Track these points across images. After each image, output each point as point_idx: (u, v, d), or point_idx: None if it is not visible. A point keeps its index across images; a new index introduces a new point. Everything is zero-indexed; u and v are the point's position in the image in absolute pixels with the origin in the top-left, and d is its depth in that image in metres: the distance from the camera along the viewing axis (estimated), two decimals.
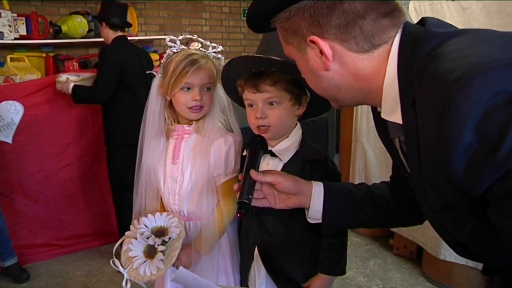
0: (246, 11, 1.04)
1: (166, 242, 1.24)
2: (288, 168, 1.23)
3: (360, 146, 3.23)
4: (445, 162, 0.62)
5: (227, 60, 1.25)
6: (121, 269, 1.23)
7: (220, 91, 1.38)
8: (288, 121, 1.25)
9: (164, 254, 1.21)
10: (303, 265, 1.32)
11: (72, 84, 2.94)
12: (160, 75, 1.41)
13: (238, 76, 1.25)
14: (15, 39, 3.45)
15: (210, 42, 1.41)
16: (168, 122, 1.42)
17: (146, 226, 1.29)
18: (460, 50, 0.64)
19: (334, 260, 1.29)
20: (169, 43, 1.38)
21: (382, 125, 0.87)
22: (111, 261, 1.26)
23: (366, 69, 0.76)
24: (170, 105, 1.42)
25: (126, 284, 1.24)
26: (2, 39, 3.33)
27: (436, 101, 0.62)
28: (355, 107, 3.19)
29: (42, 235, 3.13)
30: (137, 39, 4.04)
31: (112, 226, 3.23)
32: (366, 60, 0.76)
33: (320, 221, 1.04)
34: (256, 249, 1.32)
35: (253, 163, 1.06)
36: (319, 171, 1.24)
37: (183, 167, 1.40)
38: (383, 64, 0.75)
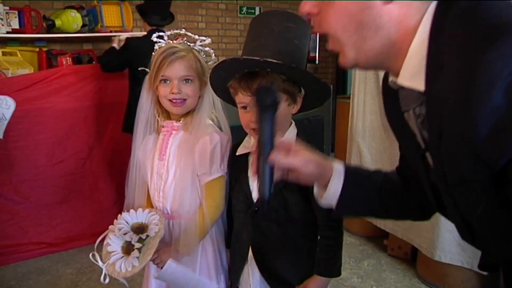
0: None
1: (144, 239, 1.22)
2: None
3: (355, 145, 3.21)
4: (468, 124, 0.58)
5: (217, 56, 1.23)
6: (100, 263, 1.22)
7: (209, 86, 1.35)
8: (283, 121, 1.23)
9: (140, 252, 1.20)
10: (298, 267, 1.30)
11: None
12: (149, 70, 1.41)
13: (230, 77, 1.21)
14: (7, 32, 3.39)
15: (200, 36, 1.40)
16: (158, 118, 1.40)
17: (126, 221, 1.28)
18: (499, 8, 0.60)
19: (330, 261, 1.27)
20: (155, 39, 1.37)
21: (391, 99, 0.82)
22: (90, 255, 1.25)
23: (412, 20, 0.69)
24: (157, 100, 1.41)
25: (105, 279, 1.23)
26: None
27: (467, 58, 0.58)
28: (351, 106, 3.18)
29: (32, 232, 3.08)
30: (131, 35, 4.01)
31: (104, 224, 3.17)
32: (416, 10, 0.69)
33: (333, 206, 0.96)
34: (250, 250, 1.30)
35: (270, 137, 0.88)
36: None
37: (168, 164, 1.38)
38: (420, 21, 0.69)
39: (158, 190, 1.39)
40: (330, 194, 0.94)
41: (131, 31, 4.04)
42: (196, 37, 1.39)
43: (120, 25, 3.94)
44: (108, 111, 3.33)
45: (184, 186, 1.35)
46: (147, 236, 1.23)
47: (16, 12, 3.45)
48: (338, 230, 1.27)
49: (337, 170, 0.95)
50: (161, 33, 1.37)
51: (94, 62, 3.77)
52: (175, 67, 1.33)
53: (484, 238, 0.73)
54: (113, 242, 1.25)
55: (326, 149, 4.95)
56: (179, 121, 1.39)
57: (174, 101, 1.35)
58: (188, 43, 1.37)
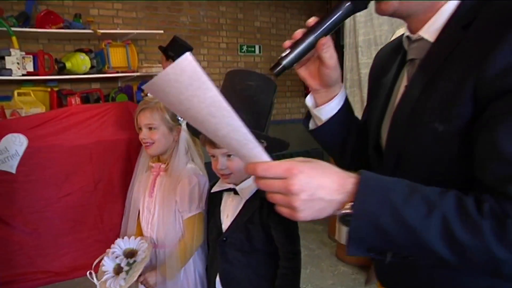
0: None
1: (131, 263, 1.40)
2: (248, 205, 1.37)
3: None
4: (486, 59, 0.68)
5: None
6: (95, 281, 1.41)
7: (183, 133, 1.56)
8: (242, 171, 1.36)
9: (127, 274, 1.39)
10: None
11: None
12: None
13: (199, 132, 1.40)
14: (23, 75, 3.67)
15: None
16: (149, 160, 1.63)
17: (120, 246, 1.47)
18: None
19: None
20: (142, 94, 1.62)
21: (393, 55, 0.95)
22: (87, 273, 1.44)
23: None
24: None
25: None
26: (11, 76, 3.55)
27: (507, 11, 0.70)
28: None
29: (40, 261, 3.23)
30: (137, 75, 4.26)
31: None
32: None
33: (322, 120, 0.99)
34: (218, 277, 1.44)
35: (335, 23, 0.87)
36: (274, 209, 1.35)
37: (155, 201, 1.58)
38: None
39: (147, 222, 1.61)
40: (329, 107, 0.97)
41: (136, 71, 4.30)
42: None
43: (126, 65, 4.19)
44: (112, 147, 3.50)
45: (168, 220, 1.56)
46: (135, 261, 1.42)
47: (31, 56, 3.73)
48: (295, 260, 1.38)
49: (343, 92, 0.99)
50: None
51: (101, 101, 4.00)
52: (142, 116, 1.58)
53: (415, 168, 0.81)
54: (107, 263, 1.46)
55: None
56: (165, 163, 1.60)
57: (144, 143, 1.58)
58: None
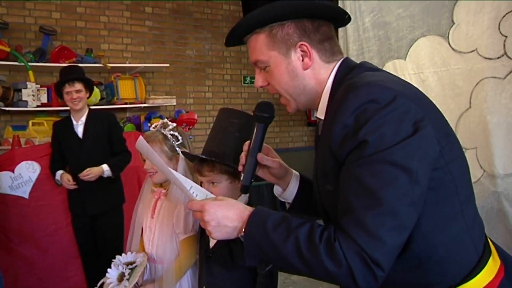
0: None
1: (132, 269, 1.61)
2: None
3: None
4: (331, 134, 0.94)
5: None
6: None
7: (181, 162, 1.74)
8: (230, 194, 1.51)
9: (129, 277, 1.61)
10: None
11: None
12: None
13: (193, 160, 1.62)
14: (37, 106, 3.92)
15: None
16: (152, 185, 1.83)
17: (119, 260, 1.69)
18: (370, 75, 0.99)
19: None
20: (151, 129, 1.81)
21: (316, 129, 1.21)
22: (98, 284, 1.61)
23: (323, 75, 1.08)
24: None
25: None
26: (26, 107, 3.79)
27: (341, 96, 0.96)
28: None
29: (49, 282, 3.37)
30: (144, 106, 4.49)
31: None
32: (325, 69, 1.08)
33: (289, 201, 1.28)
34: None
35: (260, 142, 1.16)
36: None
37: (156, 222, 1.77)
38: (328, 76, 1.08)
39: (148, 240, 1.80)
40: (289, 192, 1.28)
41: (144, 102, 4.53)
42: (169, 123, 1.82)
43: (134, 97, 4.42)
44: (123, 174, 3.67)
45: (166, 240, 1.75)
46: (136, 266, 1.60)
47: (46, 89, 3.98)
48: (271, 277, 1.53)
49: (295, 175, 1.29)
50: (156, 123, 1.83)
51: None
52: None
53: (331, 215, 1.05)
54: (111, 273, 1.67)
55: None
56: (165, 189, 1.79)
57: (148, 173, 1.77)
58: (161, 130, 1.79)
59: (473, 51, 2.68)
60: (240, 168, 1.17)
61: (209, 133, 1.59)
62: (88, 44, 4.52)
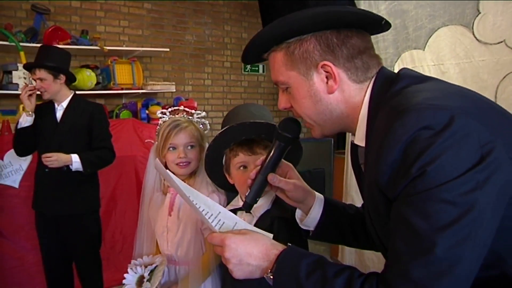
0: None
1: (152, 270, 1.47)
2: (259, 223, 1.37)
3: (350, 199, 3.36)
4: (378, 170, 0.79)
5: (222, 111, 1.50)
6: None
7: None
8: None
9: (150, 278, 1.47)
10: None
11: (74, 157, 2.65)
12: (156, 142, 1.66)
13: (230, 141, 1.39)
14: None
15: (202, 110, 1.68)
16: (164, 181, 1.63)
17: (137, 263, 1.54)
18: (416, 92, 0.82)
19: None
20: (159, 115, 1.62)
21: (355, 155, 1.03)
22: None
23: (356, 97, 0.91)
24: (166, 166, 1.62)
25: None
26: (17, 90, 3.56)
27: (384, 125, 0.80)
28: (345, 162, 3.36)
29: (40, 278, 3.17)
30: (142, 92, 4.29)
31: (105, 270, 3.30)
32: (358, 90, 0.91)
33: (312, 229, 1.15)
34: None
35: (274, 161, 1.06)
36: (284, 228, 1.33)
37: (176, 219, 1.58)
38: (363, 97, 0.91)
39: (167, 241, 1.60)
40: (310, 218, 1.14)
41: (141, 88, 4.32)
42: (193, 111, 1.65)
43: (131, 82, 4.22)
44: (119, 163, 3.51)
45: (190, 238, 1.57)
46: (156, 266, 1.49)
47: None
48: None
49: (318, 199, 1.14)
50: (163, 110, 1.63)
51: None
52: (180, 136, 1.59)
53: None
54: (128, 279, 1.52)
55: None
56: (185, 182, 1.60)
57: (181, 164, 1.59)
58: (188, 117, 1.63)
59: (501, 42, 2.53)
60: (248, 182, 1.07)
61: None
62: (83, 26, 4.27)
